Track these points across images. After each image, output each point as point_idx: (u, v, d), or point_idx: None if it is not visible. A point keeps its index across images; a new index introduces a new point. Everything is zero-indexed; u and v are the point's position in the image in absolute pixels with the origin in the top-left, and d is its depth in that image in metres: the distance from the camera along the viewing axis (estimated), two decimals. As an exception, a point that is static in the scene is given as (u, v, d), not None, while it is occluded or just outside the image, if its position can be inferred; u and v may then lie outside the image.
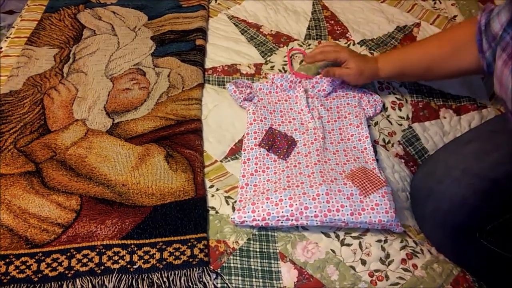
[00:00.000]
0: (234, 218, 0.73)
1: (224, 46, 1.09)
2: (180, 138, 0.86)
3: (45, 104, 0.91)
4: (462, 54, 0.82)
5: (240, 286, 0.68)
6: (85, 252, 0.69)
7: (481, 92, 1.04)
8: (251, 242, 0.72)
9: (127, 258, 0.69)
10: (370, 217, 0.72)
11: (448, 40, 0.86)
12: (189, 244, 0.70)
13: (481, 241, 0.74)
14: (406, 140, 0.92)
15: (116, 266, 0.68)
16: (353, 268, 0.71)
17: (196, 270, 0.67)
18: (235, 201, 0.77)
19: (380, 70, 0.90)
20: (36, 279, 0.66)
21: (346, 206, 0.72)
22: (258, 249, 0.72)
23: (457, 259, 0.77)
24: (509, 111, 0.69)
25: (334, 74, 0.90)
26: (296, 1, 1.25)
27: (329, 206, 0.72)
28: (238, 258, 0.70)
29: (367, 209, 0.73)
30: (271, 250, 0.72)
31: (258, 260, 0.70)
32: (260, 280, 0.68)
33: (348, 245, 0.73)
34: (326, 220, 0.71)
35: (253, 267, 0.70)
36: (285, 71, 1.02)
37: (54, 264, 0.68)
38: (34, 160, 0.81)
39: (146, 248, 0.70)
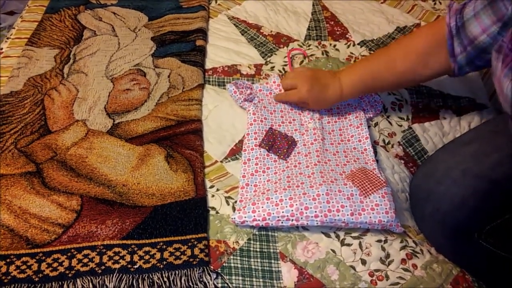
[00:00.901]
0: (234, 218, 0.73)
1: (224, 46, 1.09)
2: (181, 139, 0.86)
3: (46, 105, 0.91)
4: (430, 62, 0.81)
5: (241, 286, 0.68)
6: (85, 252, 0.69)
7: (481, 93, 1.04)
8: (252, 242, 0.72)
9: (128, 258, 0.69)
10: (370, 217, 0.72)
11: (415, 51, 0.82)
12: (190, 244, 0.71)
13: (480, 241, 0.74)
14: (406, 141, 0.92)
15: (116, 266, 0.68)
16: (353, 268, 0.71)
17: (196, 270, 0.68)
18: (236, 201, 0.77)
19: (344, 93, 0.86)
20: (36, 279, 0.66)
21: (346, 206, 0.72)
22: (258, 249, 0.72)
23: (457, 259, 0.77)
24: (510, 116, 0.69)
25: (278, 98, 0.92)
26: (296, 1, 1.25)
27: (329, 206, 0.72)
28: (238, 258, 0.70)
29: (367, 210, 0.73)
30: (272, 250, 0.72)
31: (259, 260, 0.70)
32: (261, 280, 0.68)
33: (348, 245, 0.73)
34: (326, 220, 0.72)
35: (253, 267, 0.70)
36: (285, 72, 1.02)
37: (55, 264, 0.68)
38: (34, 161, 0.81)
39: (147, 248, 0.70)
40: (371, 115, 0.93)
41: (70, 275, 0.67)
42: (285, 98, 0.91)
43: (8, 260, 0.68)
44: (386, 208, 0.73)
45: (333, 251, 0.72)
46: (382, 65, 0.85)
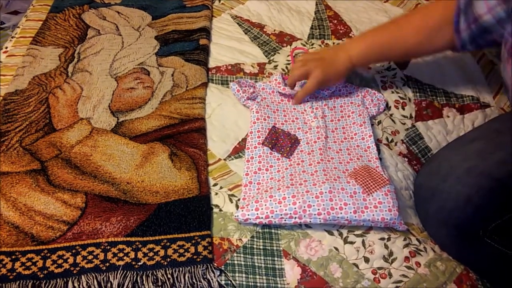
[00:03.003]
0: (237, 216, 0.73)
1: (227, 45, 1.09)
2: (184, 137, 0.86)
3: (50, 103, 0.92)
4: (438, 38, 0.83)
5: (244, 283, 0.68)
6: (90, 249, 0.70)
7: (484, 91, 1.04)
8: (255, 239, 0.73)
9: (132, 255, 0.69)
10: (373, 215, 0.72)
11: (424, 26, 0.85)
12: (193, 241, 0.71)
13: (485, 239, 0.74)
14: (409, 139, 0.92)
15: (121, 263, 0.68)
16: (356, 266, 0.71)
17: (200, 267, 0.68)
18: (239, 199, 0.78)
19: (353, 61, 0.89)
20: (41, 275, 0.67)
21: (349, 204, 0.72)
22: (261, 247, 0.72)
23: (461, 257, 0.77)
24: None
25: (299, 99, 0.91)
26: (300, 1, 1.25)
27: (332, 204, 0.72)
28: (241, 255, 0.71)
29: (370, 207, 0.73)
30: (275, 248, 0.72)
31: (262, 258, 0.71)
32: (264, 277, 0.69)
33: (351, 243, 0.73)
34: (329, 218, 0.72)
35: (256, 264, 0.70)
36: (289, 70, 1.03)
37: (60, 261, 0.68)
38: (39, 159, 0.81)
39: (151, 245, 0.70)
40: (375, 113, 0.93)
41: (75, 271, 0.67)
42: (305, 93, 0.91)
43: (13, 257, 0.68)
44: (389, 206, 0.73)
45: (336, 248, 0.72)
46: (393, 38, 0.88)
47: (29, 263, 0.68)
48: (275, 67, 1.04)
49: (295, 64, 0.93)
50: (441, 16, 0.82)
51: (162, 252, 0.70)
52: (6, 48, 1.06)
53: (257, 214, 0.72)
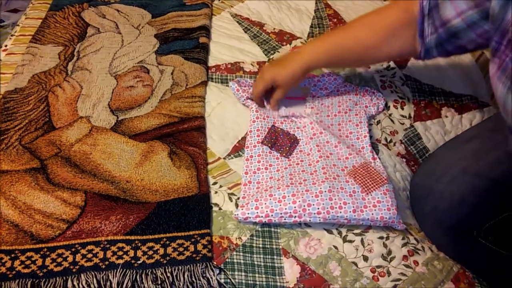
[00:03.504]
0: (237, 214, 0.73)
1: (227, 44, 1.09)
2: (184, 135, 0.86)
3: (50, 101, 0.92)
4: (396, 40, 0.78)
5: (243, 281, 0.68)
6: (89, 247, 0.70)
7: (482, 91, 1.04)
8: (254, 238, 0.73)
9: (131, 253, 0.69)
10: (372, 214, 0.72)
11: (381, 27, 0.79)
12: (193, 240, 0.71)
13: (479, 239, 0.74)
14: (408, 139, 0.93)
15: (120, 261, 0.68)
16: (355, 264, 0.71)
17: (199, 266, 0.68)
18: (238, 198, 0.78)
19: (307, 59, 0.84)
20: (41, 274, 0.67)
21: (349, 203, 0.73)
22: (261, 245, 0.72)
23: (457, 257, 0.77)
24: (508, 125, 0.67)
25: (275, 103, 0.89)
26: (299, -1, 1.25)
27: (331, 203, 0.72)
28: (241, 254, 0.71)
29: (369, 206, 0.73)
30: (274, 246, 0.72)
31: (261, 256, 0.71)
32: (263, 276, 0.69)
33: (350, 241, 0.73)
34: (328, 217, 0.72)
35: (256, 263, 0.70)
36: (288, 69, 1.03)
37: (59, 259, 0.68)
38: (39, 157, 0.81)
39: (150, 244, 0.70)
40: (374, 113, 0.93)
41: (74, 270, 0.67)
42: (275, 101, 0.88)
43: (12, 255, 0.68)
44: (388, 205, 0.73)
45: (335, 247, 0.73)
46: (348, 37, 0.83)
47: (28, 262, 0.68)
48: (275, 66, 1.04)
49: (254, 82, 0.91)
50: (400, 19, 0.77)
51: (161, 251, 0.70)
52: (6, 46, 1.06)
53: (257, 213, 0.73)
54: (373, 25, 0.81)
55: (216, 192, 0.79)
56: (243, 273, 0.69)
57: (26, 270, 0.67)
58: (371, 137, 0.88)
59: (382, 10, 0.82)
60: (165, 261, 0.69)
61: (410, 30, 0.76)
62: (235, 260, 0.70)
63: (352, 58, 0.85)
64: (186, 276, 0.67)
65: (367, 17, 0.83)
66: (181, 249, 0.70)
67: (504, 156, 0.76)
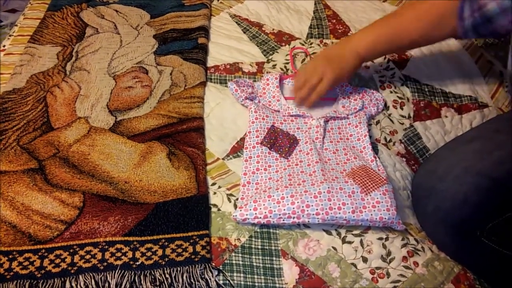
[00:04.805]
0: (236, 215, 0.73)
1: (226, 44, 1.09)
2: (183, 136, 0.86)
3: (48, 102, 0.91)
4: (442, 25, 0.83)
5: (242, 283, 0.68)
6: (88, 248, 0.70)
7: (482, 91, 1.04)
8: (253, 239, 0.73)
9: (130, 254, 0.69)
10: (371, 214, 0.72)
11: (428, 14, 0.84)
12: (191, 241, 0.71)
13: (482, 239, 0.74)
14: (407, 139, 0.92)
15: (118, 262, 0.68)
16: (355, 266, 0.71)
17: (198, 267, 0.68)
18: (237, 199, 0.77)
19: (362, 56, 0.89)
20: (39, 275, 0.66)
21: (348, 204, 0.72)
22: (260, 246, 0.72)
23: (459, 257, 0.77)
24: None
25: (311, 102, 0.90)
26: (298, 0, 1.25)
27: (330, 204, 0.72)
28: (240, 255, 0.71)
29: (369, 207, 0.73)
30: (273, 248, 0.72)
31: (260, 257, 0.71)
32: (262, 277, 0.69)
33: (350, 242, 0.73)
34: (327, 218, 0.72)
35: (255, 264, 0.70)
36: (287, 70, 1.03)
37: (57, 261, 0.68)
38: (37, 157, 0.81)
39: (149, 245, 0.70)
40: (374, 113, 0.93)
41: (72, 271, 0.67)
42: (318, 96, 0.89)
43: (10, 256, 0.68)
44: (387, 206, 0.73)
45: (334, 248, 0.72)
46: (399, 27, 0.87)
47: (26, 263, 0.67)
48: (274, 66, 1.04)
49: (299, 72, 0.91)
50: (445, 4, 0.81)
51: (160, 252, 0.70)
52: (4, 46, 1.05)
53: (256, 214, 0.72)
54: (421, 13, 0.85)
55: (215, 193, 0.79)
56: (241, 275, 0.69)
57: (24, 271, 0.67)
58: (370, 137, 0.87)
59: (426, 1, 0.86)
60: (163, 262, 0.68)
61: (453, 14, 0.80)
62: (234, 261, 0.70)
63: (403, 45, 0.91)
64: (184, 277, 0.67)
65: (415, 5, 0.87)
66: (179, 250, 0.70)
67: (507, 156, 0.76)
